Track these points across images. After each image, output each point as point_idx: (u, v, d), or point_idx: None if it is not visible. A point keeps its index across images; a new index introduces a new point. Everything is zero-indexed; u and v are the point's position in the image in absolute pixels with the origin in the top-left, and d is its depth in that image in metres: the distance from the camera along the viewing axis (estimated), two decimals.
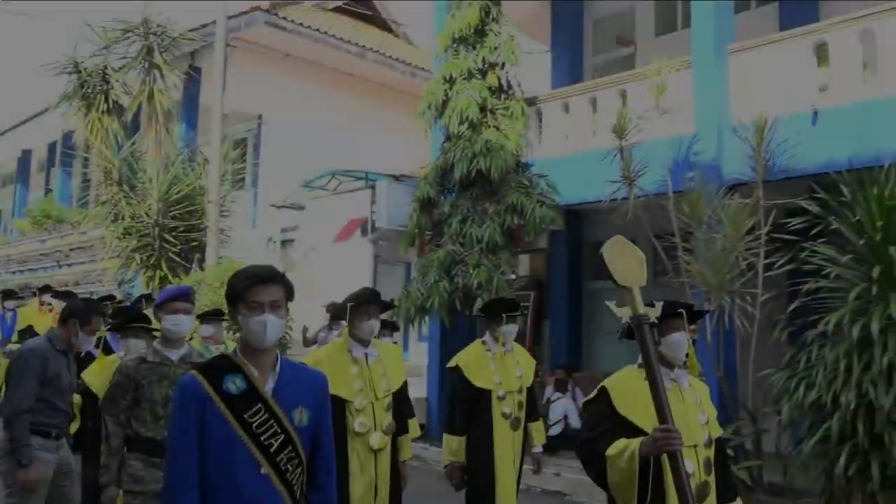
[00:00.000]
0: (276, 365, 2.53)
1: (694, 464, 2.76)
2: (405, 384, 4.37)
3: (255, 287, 2.47)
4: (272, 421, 2.43)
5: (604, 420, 2.82)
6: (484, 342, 4.76)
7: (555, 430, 9.27)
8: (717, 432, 2.94)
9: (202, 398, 2.42)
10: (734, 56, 7.97)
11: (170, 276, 11.49)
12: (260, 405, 2.43)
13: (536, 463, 5.01)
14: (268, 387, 2.48)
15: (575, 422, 9.37)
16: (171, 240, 11.67)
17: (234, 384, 2.44)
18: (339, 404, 3.85)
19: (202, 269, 11.47)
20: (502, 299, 4.95)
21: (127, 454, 3.75)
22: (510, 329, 4.68)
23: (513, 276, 10.42)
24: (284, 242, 13.90)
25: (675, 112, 7.98)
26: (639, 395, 2.76)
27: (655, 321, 2.70)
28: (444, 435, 4.67)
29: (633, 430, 2.75)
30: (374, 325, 4.15)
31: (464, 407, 4.60)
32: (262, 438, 2.41)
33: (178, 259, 11.66)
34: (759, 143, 7.10)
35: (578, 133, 9.25)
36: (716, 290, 6.68)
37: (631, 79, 8.74)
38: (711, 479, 2.83)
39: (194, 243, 11.97)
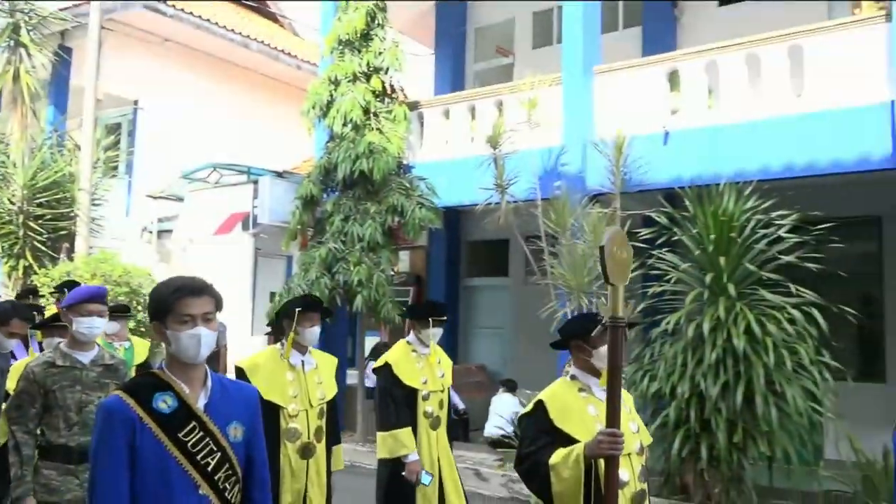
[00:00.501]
0: (207, 380, 2.41)
1: (629, 472, 2.77)
2: (336, 395, 4.36)
3: (185, 299, 2.34)
4: (207, 439, 2.32)
5: (542, 434, 2.79)
6: (409, 342, 4.81)
7: None
8: (648, 440, 2.99)
9: (130, 420, 2.27)
10: (600, 76, 8.70)
11: (35, 266, 11.04)
12: (194, 423, 2.31)
13: None
14: (200, 403, 2.36)
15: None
16: (37, 228, 11.20)
17: (164, 402, 2.31)
18: (274, 410, 3.83)
19: (71, 259, 11.09)
20: (431, 303, 5.04)
21: (40, 463, 3.58)
22: (437, 332, 4.77)
23: (393, 273, 10.80)
24: (161, 233, 13.59)
25: (546, 125, 8.60)
26: (573, 407, 2.81)
27: (627, 324, 2.71)
28: (379, 434, 4.65)
29: (570, 443, 2.74)
30: (317, 332, 4.13)
31: (395, 403, 4.60)
32: (198, 458, 2.30)
33: (44, 248, 11.20)
34: (618, 158, 7.83)
35: (458, 139, 9.74)
36: (576, 292, 7.35)
37: (507, 91, 9.31)
38: (646, 486, 2.86)
39: (63, 232, 11.53)
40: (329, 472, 4.15)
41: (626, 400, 2.97)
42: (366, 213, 9.25)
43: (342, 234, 9.23)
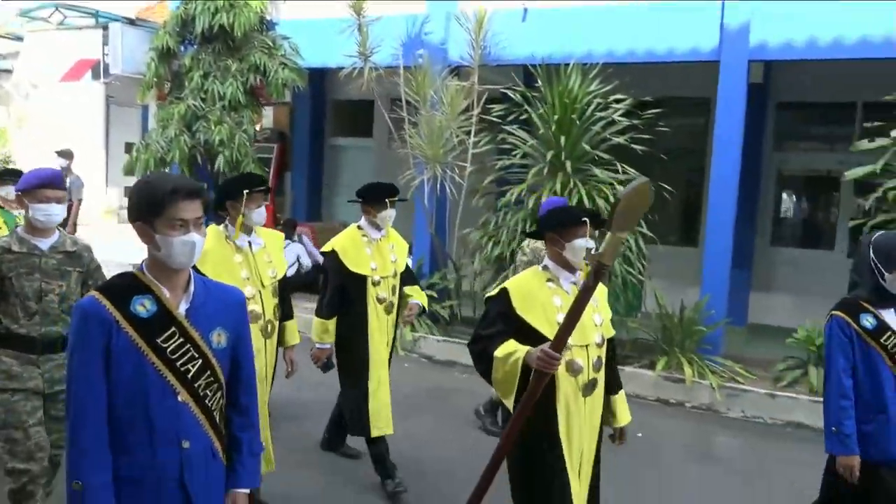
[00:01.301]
0: (190, 284, 2.29)
1: (584, 361, 2.88)
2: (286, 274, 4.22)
3: (180, 202, 2.17)
4: (188, 345, 2.23)
5: (500, 319, 2.86)
6: (360, 227, 4.68)
7: (288, 273, 10.11)
8: (610, 333, 3.05)
9: (107, 323, 2.17)
10: None
11: None
12: (174, 328, 2.22)
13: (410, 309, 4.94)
14: (181, 308, 2.25)
15: (307, 263, 10.23)
16: None
17: (143, 306, 2.20)
18: None
19: None
20: (382, 184, 4.84)
21: (0, 350, 3.41)
22: (389, 214, 4.64)
23: (256, 130, 10.77)
24: None
25: None
26: (538, 297, 2.87)
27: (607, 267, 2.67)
28: (314, 318, 4.65)
29: (528, 331, 2.83)
30: (263, 212, 3.96)
31: (335, 292, 4.56)
32: (177, 364, 2.21)
33: None
34: (479, 31, 8.09)
35: None
36: (432, 161, 7.81)
37: None
38: (600, 375, 2.96)
39: None
40: (278, 349, 4.14)
41: (599, 294, 3.01)
42: (227, 70, 9.07)
43: (202, 91, 9.05)
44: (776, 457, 5.84)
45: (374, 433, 4.53)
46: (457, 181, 7.95)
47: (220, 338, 2.30)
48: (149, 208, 2.18)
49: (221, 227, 3.91)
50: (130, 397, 2.18)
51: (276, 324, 3.98)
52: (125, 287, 2.24)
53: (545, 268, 2.98)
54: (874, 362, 3.26)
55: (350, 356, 4.62)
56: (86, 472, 2.15)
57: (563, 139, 7.17)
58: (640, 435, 5.64)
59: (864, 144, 6.87)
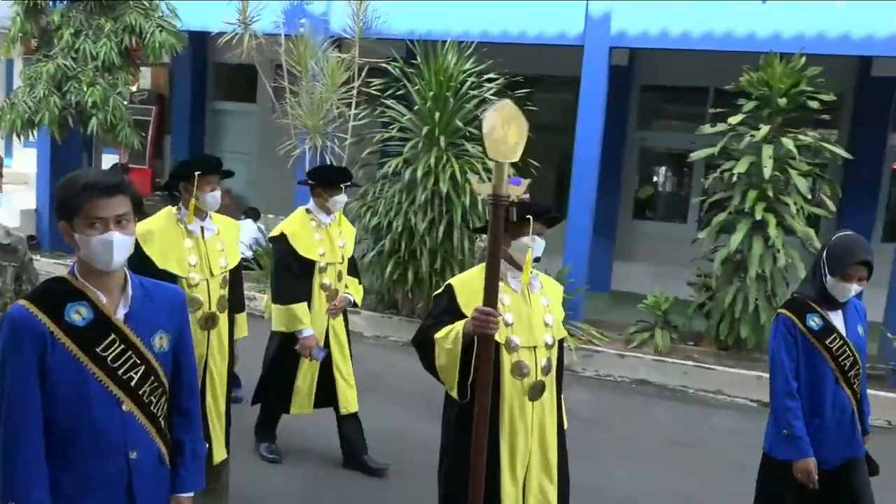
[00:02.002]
0: (127, 286, 2.18)
1: (532, 364, 2.74)
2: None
3: (95, 200, 2.03)
4: (130, 352, 2.14)
5: (444, 313, 2.73)
6: (308, 210, 4.58)
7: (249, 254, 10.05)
8: (561, 335, 2.89)
9: (40, 334, 2.05)
10: None
11: None
12: (113, 336, 2.12)
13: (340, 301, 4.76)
14: (119, 313, 2.15)
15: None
16: None
17: (78, 314, 2.09)
18: (171, 280, 3.44)
19: None
20: (333, 168, 4.65)
21: None
22: (340, 199, 4.56)
23: (133, 91, 10.47)
24: None
25: None
26: (481, 293, 2.65)
27: (515, 200, 2.52)
28: (274, 306, 4.50)
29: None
30: (218, 195, 3.75)
31: (291, 276, 4.46)
32: (119, 373, 2.12)
33: None
34: (360, 5, 8.24)
35: None
36: (313, 132, 7.97)
37: None
38: (549, 379, 2.81)
39: None
40: (232, 341, 3.91)
41: (552, 293, 2.92)
42: (99, 29, 8.76)
43: (73, 50, 8.72)
44: (620, 408, 6.55)
45: (293, 411, 4.59)
46: (337, 152, 8.15)
47: (161, 341, 2.22)
48: (66, 207, 2.06)
49: (175, 208, 3.70)
50: (72, 409, 2.08)
51: (220, 316, 3.73)
52: (58, 293, 2.12)
53: None
54: (817, 364, 3.16)
55: (287, 341, 4.52)
56: (20, 491, 2.03)
57: (437, 115, 7.52)
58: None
59: (707, 129, 7.61)
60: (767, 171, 6.95)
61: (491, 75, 7.70)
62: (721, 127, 7.42)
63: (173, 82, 12.74)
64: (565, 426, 2.97)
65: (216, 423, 3.73)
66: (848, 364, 3.15)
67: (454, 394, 2.67)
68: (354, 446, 4.71)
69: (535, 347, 2.76)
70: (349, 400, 4.66)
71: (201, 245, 3.68)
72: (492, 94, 7.57)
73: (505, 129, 2.36)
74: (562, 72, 9.33)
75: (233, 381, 4.10)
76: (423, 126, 7.63)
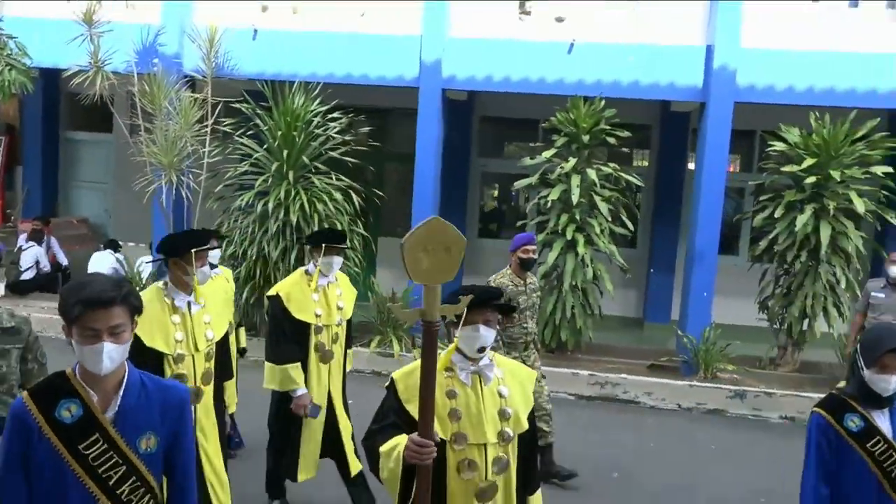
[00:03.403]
0: (122, 386, 2.23)
1: (481, 463, 2.57)
2: (229, 330, 4.00)
3: (89, 313, 2.10)
4: (111, 452, 2.19)
5: (390, 412, 2.61)
6: (307, 272, 4.59)
7: (27, 276, 10.12)
8: (521, 428, 2.67)
9: (29, 430, 2.16)
10: None
11: None
12: (97, 435, 2.17)
13: None
14: (109, 413, 2.20)
15: (45, 266, 10.30)
16: None
17: (68, 411, 2.17)
18: (157, 357, 3.52)
19: None
20: (330, 230, 4.69)
21: None
22: (336, 261, 4.55)
23: None
24: None
25: (144, 4, 9.06)
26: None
27: (454, 319, 2.48)
28: (267, 364, 4.48)
29: (416, 424, 2.51)
30: (207, 270, 3.78)
31: (284, 337, 4.45)
32: (99, 471, 2.17)
33: None
34: (210, 47, 8.79)
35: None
36: (168, 169, 8.41)
37: None
38: (505, 477, 2.62)
39: None
40: (221, 409, 3.89)
41: (516, 382, 2.73)
42: None
43: None
44: None
45: (301, 478, 4.61)
46: (192, 187, 8.63)
47: (149, 443, 2.25)
48: (66, 314, 2.15)
49: (161, 283, 3.69)
50: (51, 501, 2.17)
51: (204, 390, 3.71)
52: (55, 389, 2.20)
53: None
54: (857, 469, 2.82)
55: (287, 404, 4.50)
56: None
57: (286, 152, 8.20)
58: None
59: (528, 161, 8.73)
60: (575, 198, 8.13)
61: (335, 115, 8.46)
62: (539, 159, 8.56)
63: (24, 112, 12.60)
64: None
65: (220, 492, 3.77)
66: (895, 470, 2.78)
67: None
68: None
69: (483, 445, 2.58)
70: (355, 463, 4.64)
71: (188, 321, 3.63)
72: (336, 133, 8.34)
73: (431, 252, 2.27)
74: (407, 104, 10.25)
75: (227, 442, 4.17)
76: (273, 162, 8.29)
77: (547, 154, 8.45)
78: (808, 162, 7.90)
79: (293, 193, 8.13)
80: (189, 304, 3.65)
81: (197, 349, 3.65)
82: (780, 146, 8.25)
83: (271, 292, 4.57)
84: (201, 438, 3.67)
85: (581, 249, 8.20)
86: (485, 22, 8.95)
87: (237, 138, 8.48)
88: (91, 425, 2.18)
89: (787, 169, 8.16)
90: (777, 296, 8.56)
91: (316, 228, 8.08)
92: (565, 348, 8.64)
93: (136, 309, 2.22)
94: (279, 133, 8.19)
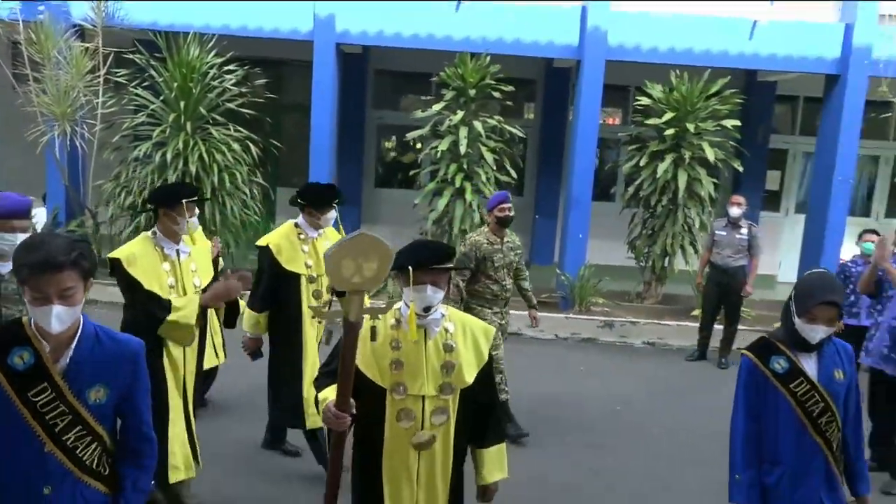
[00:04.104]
0: (75, 339, 2.30)
1: (418, 414, 2.62)
2: (215, 277, 4.09)
3: (38, 277, 2.14)
4: (58, 401, 2.26)
5: (335, 358, 2.62)
6: (297, 225, 4.65)
7: None
8: (463, 383, 2.68)
9: None
10: None
11: None
12: (46, 384, 2.25)
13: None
14: (61, 364, 2.28)
15: None
16: None
17: (20, 359, 2.25)
18: (154, 300, 3.68)
19: None
20: (325, 187, 4.71)
21: None
22: (331, 216, 4.62)
23: None
24: None
25: None
26: (368, 343, 2.60)
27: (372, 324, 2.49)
28: (246, 310, 4.54)
29: (359, 375, 2.57)
30: (195, 221, 3.88)
31: (268, 287, 4.53)
32: (46, 418, 2.26)
33: None
34: None
35: None
36: (61, 119, 8.41)
37: None
38: (444, 430, 2.67)
39: None
40: (202, 356, 4.03)
41: (467, 338, 2.74)
42: None
43: None
44: None
45: (309, 424, 4.62)
46: (87, 137, 8.66)
47: (98, 395, 2.32)
48: (17, 273, 2.20)
49: (150, 233, 3.82)
50: (1, 442, 2.26)
51: (198, 330, 3.86)
52: (10, 337, 2.28)
53: (399, 308, 2.69)
54: (781, 408, 2.93)
55: (284, 353, 4.61)
56: None
57: (183, 103, 8.38)
58: None
59: (419, 113, 9.25)
60: (463, 149, 8.75)
61: (231, 67, 8.67)
62: (430, 111, 9.10)
63: None
64: (495, 478, 2.83)
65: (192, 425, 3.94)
66: (817, 410, 2.91)
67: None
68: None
69: (423, 397, 2.63)
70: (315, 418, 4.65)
71: (177, 268, 3.80)
72: (232, 84, 8.57)
73: (357, 262, 2.31)
74: (303, 56, 10.48)
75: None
76: (170, 113, 8.45)
77: (437, 107, 8.99)
78: (668, 116, 8.84)
79: (191, 144, 8.34)
80: (178, 251, 3.82)
81: (185, 295, 3.80)
82: (645, 101, 9.14)
83: (261, 242, 4.62)
84: (188, 380, 3.87)
85: (469, 197, 8.87)
86: None
87: (132, 89, 8.55)
88: (41, 374, 2.25)
89: (650, 122, 9.07)
90: (643, 237, 9.56)
91: (216, 178, 8.37)
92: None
93: (88, 271, 2.24)
94: (175, 84, 8.34)
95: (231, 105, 8.59)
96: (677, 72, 9.12)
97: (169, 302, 3.70)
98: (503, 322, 5.53)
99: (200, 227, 4.74)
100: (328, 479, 2.58)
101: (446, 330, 2.69)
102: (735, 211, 7.76)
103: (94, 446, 2.34)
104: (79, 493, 2.34)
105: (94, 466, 2.36)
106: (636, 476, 5.19)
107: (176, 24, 9.01)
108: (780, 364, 2.94)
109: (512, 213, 5.44)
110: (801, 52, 9.32)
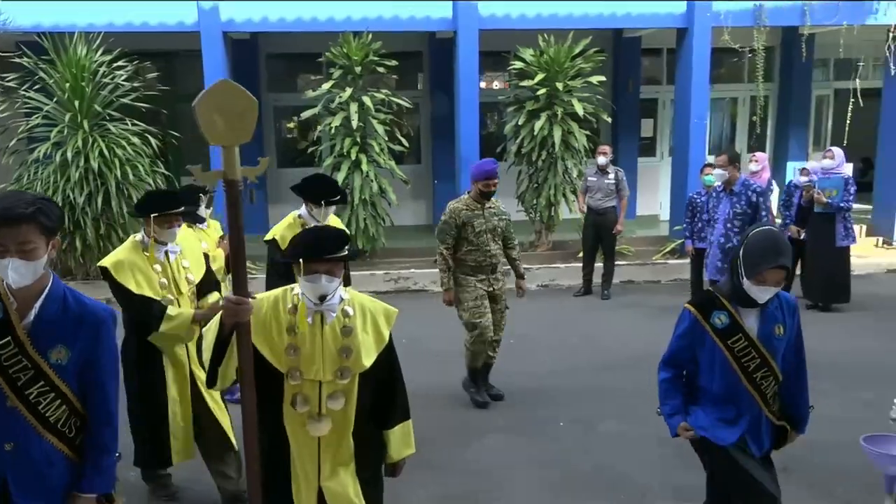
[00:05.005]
0: (41, 296, 2.34)
1: (314, 397, 2.61)
2: (208, 269, 4.16)
3: None
4: (21, 356, 2.31)
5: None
6: (300, 216, 4.70)
7: None
8: (361, 367, 2.66)
9: None
10: None
11: None
12: (9, 338, 2.30)
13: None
14: (26, 321, 2.32)
15: None
16: None
17: None
18: (149, 304, 3.78)
19: None
20: (327, 183, 4.69)
21: None
22: (329, 210, 4.66)
23: None
24: None
25: None
26: (268, 320, 2.62)
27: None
28: None
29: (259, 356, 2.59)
30: (176, 230, 3.91)
31: (279, 278, 4.42)
32: (10, 372, 2.31)
33: None
34: None
35: None
36: None
37: None
38: (342, 413, 2.65)
39: None
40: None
41: (369, 318, 2.73)
42: None
43: None
44: None
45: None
46: None
47: (59, 355, 2.36)
48: None
49: (139, 236, 3.89)
50: None
51: (196, 327, 3.86)
52: None
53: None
54: (719, 362, 3.02)
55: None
56: None
57: (77, 102, 8.63)
58: None
59: (311, 93, 9.77)
60: (354, 123, 9.36)
61: (121, 63, 8.95)
62: (321, 90, 9.63)
63: None
64: (401, 455, 2.87)
65: (220, 417, 4.05)
66: (753, 365, 2.98)
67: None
68: None
69: (319, 382, 2.62)
70: None
71: (168, 268, 3.87)
72: (124, 80, 8.86)
73: (224, 109, 2.30)
74: (193, 46, 10.74)
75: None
76: (66, 113, 8.68)
77: (326, 86, 9.54)
78: (540, 77, 9.67)
79: (91, 141, 8.62)
80: (167, 253, 3.89)
81: (180, 292, 3.89)
82: (519, 65, 9.94)
83: (268, 237, 4.75)
84: (196, 371, 3.96)
85: (365, 167, 9.50)
86: None
87: (23, 93, 8.72)
88: (6, 328, 2.30)
89: (525, 84, 9.89)
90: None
91: (119, 172, 8.69)
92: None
93: (48, 228, 2.28)
94: (67, 85, 8.57)
95: (125, 100, 8.89)
96: (545, 36, 9.94)
97: (163, 308, 3.77)
98: (491, 289, 5.52)
99: (213, 223, 5.14)
100: (244, 405, 2.53)
101: (345, 314, 2.66)
102: (601, 159, 8.68)
103: (58, 403, 2.37)
104: (42, 452, 2.37)
105: (59, 426, 2.39)
106: (523, 391, 6.04)
107: (60, 25, 9.17)
108: (720, 319, 2.98)
109: (495, 189, 5.43)
110: (652, 9, 10.30)
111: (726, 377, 3.01)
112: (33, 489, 2.36)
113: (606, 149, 8.76)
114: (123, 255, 3.83)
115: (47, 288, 2.35)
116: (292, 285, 2.70)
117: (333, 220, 4.91)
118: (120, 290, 3.76)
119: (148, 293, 3.77)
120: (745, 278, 2.89)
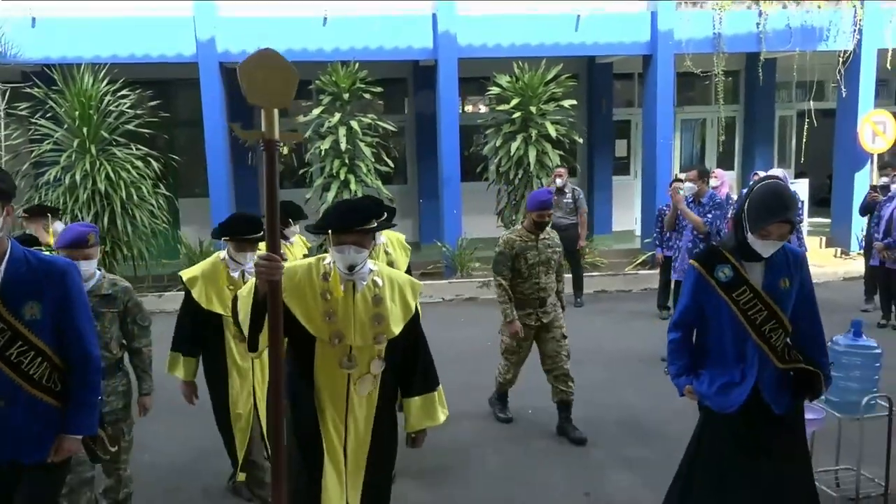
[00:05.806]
0: (4, 262, 2.43)
1: (353, 359, 2.74)
2: None
3: None
4: None
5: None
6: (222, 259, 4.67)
7: None
8: (391, 333, 2.78)
9: None
10: None
11: None
12: None
13: None
14: None
15: None
16: None
17: None
18: (216, 317, 3.95)
19: None
20: (242, 221, 4.29)
21: None
22: (293, 231, 4.90)
23: None
24: None
25: None
26: (306, 287, 2.71)
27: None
28: None
29: (291, 319, 2.67)
30: (254, 255, 3.93)
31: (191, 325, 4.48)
32: None
33: None
34: None
35: None
36: None
37: None
38: (374, 377, 2.78)
39: None
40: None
41: (395, 289, 2.85)
42: None
43: None
44: None
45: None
46: None
47: (32, 310, 2.45)
48: None
49: (222, 254, 4.05)
50: None
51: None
52: None
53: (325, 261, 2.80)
54: (725, 315, 2.99)
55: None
56: None
57: (84, 130, 9.29)
58: None
59: (302, 118, 10.46)
60: (343, 146, 10.04)
61: (125, 91, 9.62)
62: (311, 115, 10.32)
63: None
64: (422, 426, 2.95)
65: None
66: (760, 318, 2.95)
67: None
68: None
69: (350, 347, 2.73)
70: None
71: (240, 285, 3.90)
72: (128, 108, 9.53)
73: (265, 74, 2.40)
74: (191, 75, 11.41)
75: None
76: (74, 139, 9.34)
77: (316, 111, 10.24)
78: (515, 101, 10.41)
79: (98, 165, 9.27)
80: (243, 272, 4.01)
81: None
82: (495, 90, 10.68)
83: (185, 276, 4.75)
84: (258, 391, 4.06)
85: (353, 187, 10.16)
86: (250, 2, 10.42)
87: (34, 121, 9.37)
88: None
89: (501, 108, 10.62)
90: (508, 207, 11.12)
91: (124, 193, 9.32)
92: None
93: (2, 193, 2.40)
94: (76, 113, 9.24)
95: (129, 126, 9.56)
96: (520, 63, 10.69)
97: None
98: (539, 323, 5.34)
99: (299, 236, 5.26)
100: (272, 360, 2.57)
101: (375, 283, 2.78)
102: (558, 181, 9.30)
103: (39, 360, 2.48)
104: (32, 408, 2.49)
105: (45, 382, 2.50)
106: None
107: (68, 57, 9.85)
108: (724, 273, 2.96)
109: (550, 220, 5.35)
110: (618, 38, 11.10)
111: (735, 332, 2.99)
112: (26, 442, 2.49)
113: (562, 171, 9.44)
114: (202, 269, 4.05)
115: (7, 252, 2.46)
116: (327, 257, 2.80)
117: (299, 241, 5.30)
118: (189, 303, 4.00)
119: (217, 308, 3.93)
120: (749, 232, 2.88)
